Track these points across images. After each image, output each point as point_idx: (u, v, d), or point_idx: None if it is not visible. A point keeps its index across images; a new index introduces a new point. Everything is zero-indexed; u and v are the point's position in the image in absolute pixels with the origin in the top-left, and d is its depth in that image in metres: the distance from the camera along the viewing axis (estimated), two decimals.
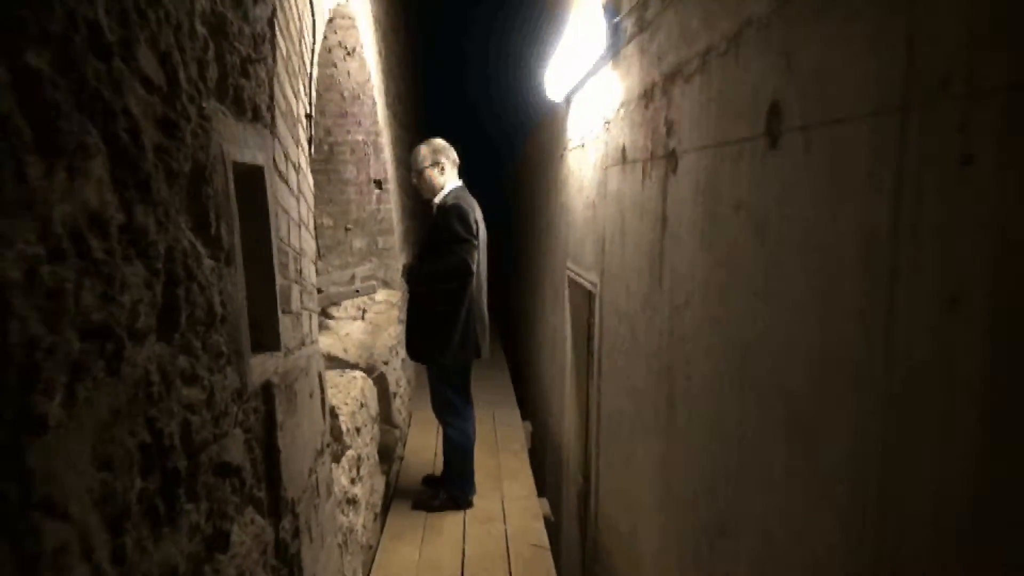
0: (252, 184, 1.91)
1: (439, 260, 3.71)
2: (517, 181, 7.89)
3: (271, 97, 2.04)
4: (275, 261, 1.96)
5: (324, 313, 5.10)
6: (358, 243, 5.40)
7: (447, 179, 3.90)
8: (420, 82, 8.39)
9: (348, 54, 4.31)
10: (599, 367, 3.36)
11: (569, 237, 4.35)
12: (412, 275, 3.86)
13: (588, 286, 3.67)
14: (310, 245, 2.53)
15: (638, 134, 2.66)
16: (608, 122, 3.18)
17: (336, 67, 4.46)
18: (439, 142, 3.95)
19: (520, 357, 7.40)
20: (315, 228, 5.37)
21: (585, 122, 3.76)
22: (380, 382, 4.38)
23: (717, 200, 1.84)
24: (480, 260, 3.88)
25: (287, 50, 2.24)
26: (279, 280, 2.01)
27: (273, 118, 2.04)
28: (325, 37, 4.18)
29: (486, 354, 3.99)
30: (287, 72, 2.24)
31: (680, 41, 2.17)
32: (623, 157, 2.90)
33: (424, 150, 3.91)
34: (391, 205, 5.35)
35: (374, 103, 4.80)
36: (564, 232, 4.55)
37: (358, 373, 3.86)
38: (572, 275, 4.21)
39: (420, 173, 3.90)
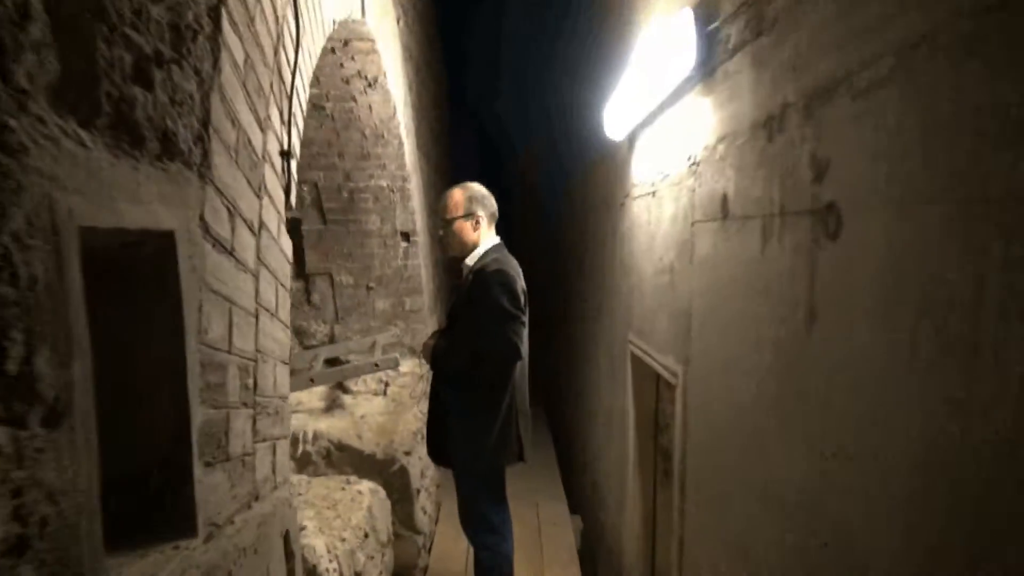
0: (147, 263, 1.15)
1: (478, 340, 2.92)
2: (560, 231, 7.14)
3: (205, 123, 1.29)
4: (190, 384, 1.19)
5: (340, 386, 4.35)
6: (381, 304, 4.67)
7: (483, 236, 3.15)
8: (447, 120, 7.72)
9: (369, 85, 3.62)
10: (681, 491, 2.52)
11: (633, 304, 3.55)
12: (439, 357, 3.08)
13: (663, 373, 2.85)
14: (279, 339, 1.77)
15: (752, 179, 1.87)
16: (697, 163, 2.40)
17: (356, 101, 3.78)
18: (476, 188, 3.20)
19: (565, 436, 6.54)
20: (333, 286, 4.66)
21: (657, 163, 2.99)
22: (400, 478, 3.58)
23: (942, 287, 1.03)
24: (525, 340, 3.10)
25: (247, 58, 1.50)
26: (202, 413, 1.24)
27: (206, 154, 1.28)
28: (341, 65, 3.50)
29: (530, 456, 3.18)
30: (245, 89, 1.49)
31: (844, 38, 1.39)
32: (723, 211, 2.11)
33: (457, 195, 3.15)
34: (420, 260, 4.62)
35: (400, 143, 4.10)
36: (626, 297, 3.75)
37: (366, 486, 3.07)
38: (637, 352, 3.39)
39: (449, 224, 3.13)
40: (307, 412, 3.96)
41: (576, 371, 5.87)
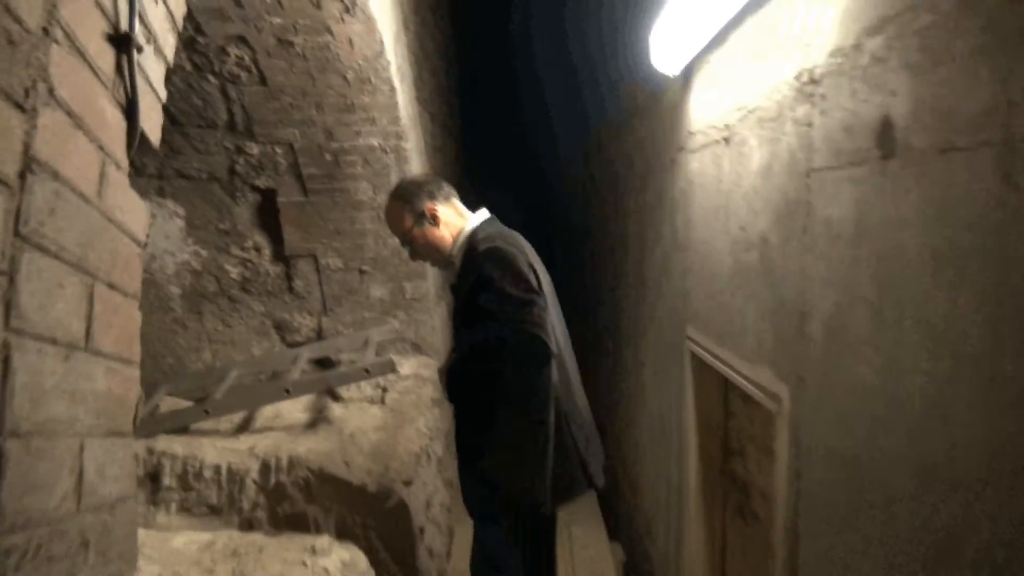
0: None
1: (488, 349, 2.11)
2: (582, 201, 6.26)
3: None
4: None
5: (331, 394, 3.57)
6: (377, 291, 3.87)
7: (452, 221, 2.38)
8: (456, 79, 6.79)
9: (346, 10, 2.80)
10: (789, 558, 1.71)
11: (690, 290, 2.72)
12: (456, 382, 2.27)
13: (751, 390, 2.02)
14: (100, 391, 0.95)
15: (962, 80, 1.03)
16: (815, 80, 1.56)
17: (332, 33, 2.95)
18: (406, 182, 2.46)
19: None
20: (318, 270, 3.87)
21: (734, 95, 2.15)
22: (397, 519, 2.80)
23: None
24: (556, 328, 2.29)
25: None
26: None
27: None
28: None
29: (601, 480, 2.38)
30: None
31: None
32: (883, 144, 1.27)
33: (393, 206, 2.39)
34: None
35: (392, 90, 3.27)
36: (679, 281, 2.92)
37: (336, 559, 2.29)
38: (701, 352, 2.57)
39: (409, 241, 2.38)
40: (285, 429, 3.19)
41: (608, 369, 5.05)
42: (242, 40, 3.03)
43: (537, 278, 2.16)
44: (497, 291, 2.06)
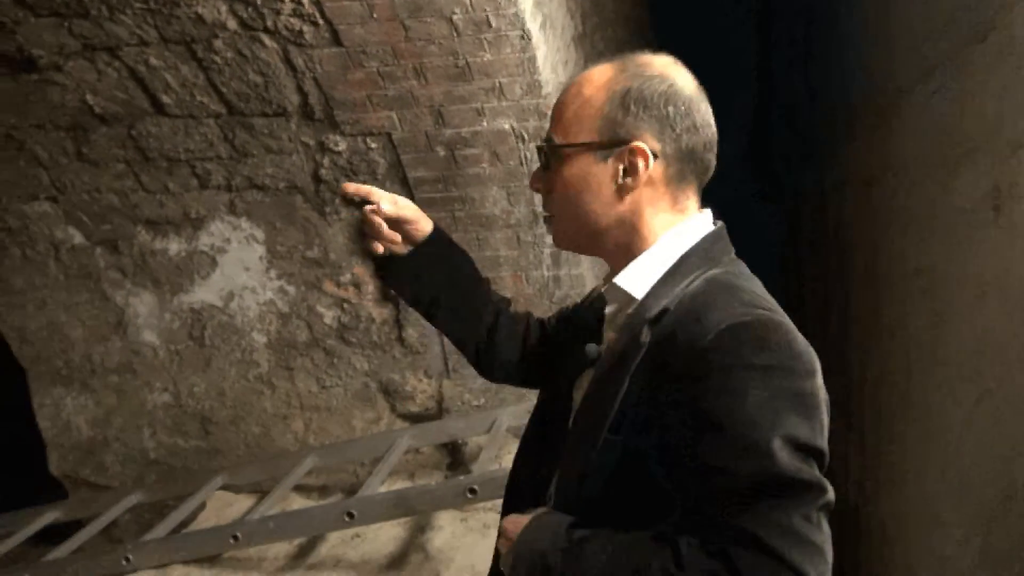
0: None
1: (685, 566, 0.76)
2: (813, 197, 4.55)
3: None
4: None
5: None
6: None
7: (669, 204, 0.95)
8: None
9: None
10: None
11: None
12: None
13: None
14: None
15: None
16: None
17: None
18: (656, 67, 0.94)
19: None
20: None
21: None
22: None
23: None
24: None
25: None
26: None
27: None
28: None
29: None
30: None
31: None
32: None
33: (597, 79, 0.94)
34: (583, 268, 2.55)
35: (526, 37, 2.07)
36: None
37: None
38: None
39: (560, 157, 0.95)
40: (357, 565, 2.07)
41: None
42: None
43: (825, 418, 0.83)
44: (762, 442, 0.75)
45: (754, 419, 0.76)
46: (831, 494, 0.77)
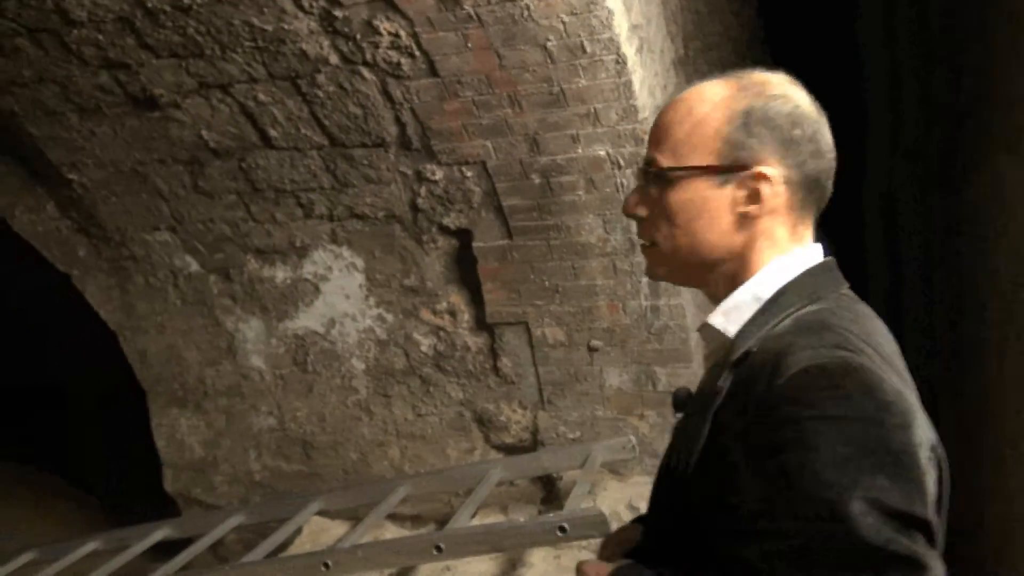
0: None
1: None
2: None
3: None
4: None
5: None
6: (614, 378, 2.57)
7: (785, 234, 0.85)
8: None
9: None
10: None
11: None
12: None
13: None
14: None
15: None
16: None
17: None
18: (775, 87, 0.85)
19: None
20: (531, 343, 2.65)
21: None
22: None
23: None
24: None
25: None
26: None
27: None
28: None
29: None
30: None
31: None
32: None
33: (711, 95, 0.86)
34: (683, 299, 2.45)
35: (621, 61, 2.01)
36: None
37: None
38: None
39: (668, 182, 0.86)
40: None
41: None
42: (391, 6, 2.02)
43: (943, 481, 0.73)
44: (838, 504, 0.66)
45: (828, 478, 0.66)
46: (938, 573, 0.66)
